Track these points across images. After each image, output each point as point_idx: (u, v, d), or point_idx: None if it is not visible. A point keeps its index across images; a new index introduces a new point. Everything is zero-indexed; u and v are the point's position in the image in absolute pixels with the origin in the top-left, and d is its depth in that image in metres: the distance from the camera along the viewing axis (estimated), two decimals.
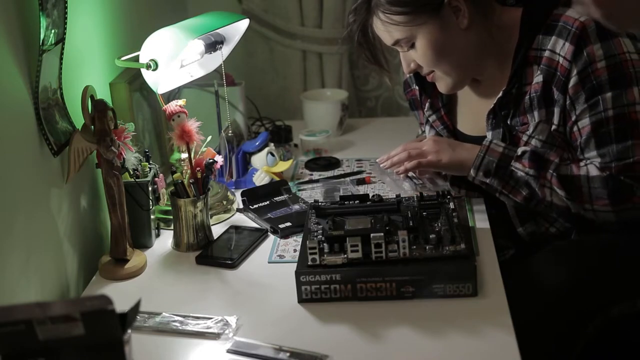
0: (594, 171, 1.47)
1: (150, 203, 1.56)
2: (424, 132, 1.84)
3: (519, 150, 1.52)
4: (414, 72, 1.62)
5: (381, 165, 1.71)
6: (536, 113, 1.52)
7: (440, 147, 1.61)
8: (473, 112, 1.68)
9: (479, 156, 1.54)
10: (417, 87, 1.79)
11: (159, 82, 1.53)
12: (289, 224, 1.63)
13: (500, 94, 1.56)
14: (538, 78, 1.51)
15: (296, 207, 1.71)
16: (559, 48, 1.48)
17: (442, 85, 1.62)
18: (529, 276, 1.46)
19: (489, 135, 1.59)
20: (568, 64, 1.46)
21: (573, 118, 1.49)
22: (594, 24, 1.45)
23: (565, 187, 1.47)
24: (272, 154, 1.87)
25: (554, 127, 1.51)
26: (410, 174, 1.73)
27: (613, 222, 1.48)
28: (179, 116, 1.54)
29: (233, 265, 1.50)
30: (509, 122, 1.57)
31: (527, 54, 1.52)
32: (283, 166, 1.87)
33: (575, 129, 1.49)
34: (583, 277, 1.41)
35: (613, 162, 1.46)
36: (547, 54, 1.50)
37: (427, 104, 1.75)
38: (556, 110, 1.50)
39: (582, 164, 1.49)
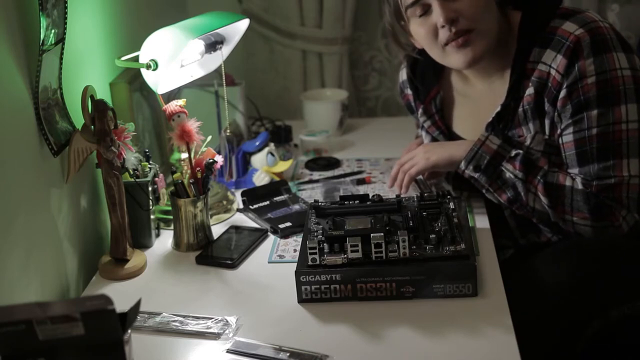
0: (579, 184, 1.48)
1: (150, 203, 1.56)
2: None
3: (513, 152, 1.52)
4: (450, 22, 1.49)
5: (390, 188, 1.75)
6: (531, 125, 1.53)
7: (428, 149, 1.65)
8: (470, 114, 1.69)
9: (472, 149, 1.54)
10: (410, 92, 1.79)
11: (159, 82, 1.53)
12: (289, 224, 1.63)
13: (499, 108, 1.56)
14: (529, 90, 1.52)
15: (296, 207, 1.71)
16: (552, 60, 1.48)
17: (472, 50, 1.51)
18: (529, 276, 1.46)
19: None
20: (560, 77, 1.47)
21: (558, 131, 1.51)
22: (589, 37, 1.45)
23: (549, 195, 1.48)
24: (272, 154, 1.87)
25: (545, 137, 1.52)
26: (419, 177, 1.74)
27: (590, 236, 1.50)
28: (179, 116, 1.54)
29: (233, 265, 1.50)
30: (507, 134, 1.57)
31: (524, 67, 1.52)
32: (283, 166, 1.87)
33: (560, 142, 1.51)
34: (583, 278, 1.40)
35: (594, 181, 1.46)
36: (539, 66, 1.50)
37: (420, 110, 1.75)
38: (546, 122, 1.52)
39: (569, 175, 1.50)
